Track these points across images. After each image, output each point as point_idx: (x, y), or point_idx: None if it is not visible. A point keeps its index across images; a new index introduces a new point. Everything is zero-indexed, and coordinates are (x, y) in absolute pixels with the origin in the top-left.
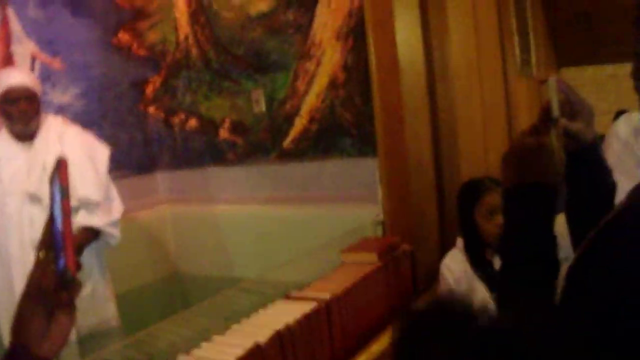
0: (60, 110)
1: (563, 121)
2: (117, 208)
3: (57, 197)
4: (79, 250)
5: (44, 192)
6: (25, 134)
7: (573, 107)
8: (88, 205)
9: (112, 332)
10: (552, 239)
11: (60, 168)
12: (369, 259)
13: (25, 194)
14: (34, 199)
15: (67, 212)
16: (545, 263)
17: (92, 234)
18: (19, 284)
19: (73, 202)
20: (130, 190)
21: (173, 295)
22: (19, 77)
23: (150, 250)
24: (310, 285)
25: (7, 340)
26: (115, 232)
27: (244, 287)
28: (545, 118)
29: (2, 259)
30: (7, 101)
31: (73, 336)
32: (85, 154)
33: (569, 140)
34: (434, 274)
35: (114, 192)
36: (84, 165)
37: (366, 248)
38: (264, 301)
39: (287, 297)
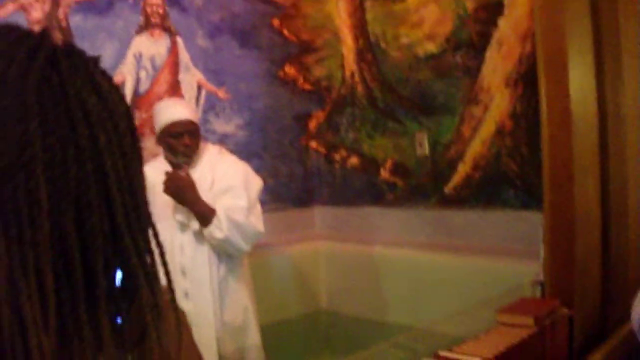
0: (223, 139)
1: None
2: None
3: None
4: None
5: (193, 219)
6: (184, 164)
7: None
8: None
9: None
10: None
11: None
12: (526, 322)
13: (175, 221)
14: (183, 226)
15: None
16: None
17: None
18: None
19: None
20: (287, 222)
21: (318, 332)
22: (184, 111)
23: (300, 284)
24: (461, 345)
25: None
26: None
27: (395, 343)
28: None
29: None
30: (170, 135)
31: None
32: (239, 181)
33: None
34: (592, 340)
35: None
36: (238, 191)
37: (523, 310)
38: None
39: (436, 356)
